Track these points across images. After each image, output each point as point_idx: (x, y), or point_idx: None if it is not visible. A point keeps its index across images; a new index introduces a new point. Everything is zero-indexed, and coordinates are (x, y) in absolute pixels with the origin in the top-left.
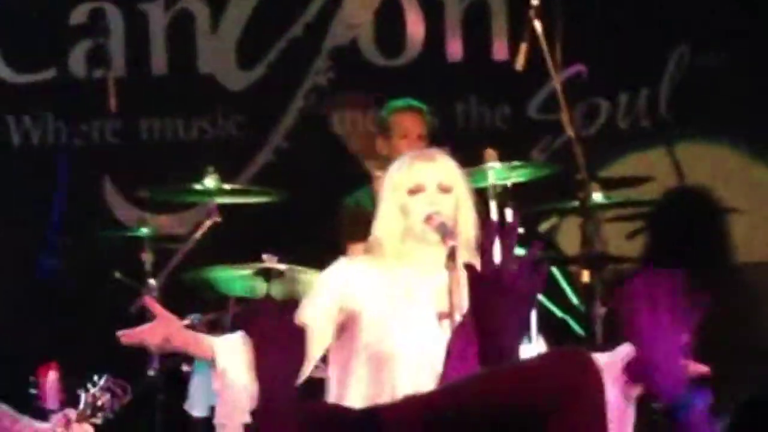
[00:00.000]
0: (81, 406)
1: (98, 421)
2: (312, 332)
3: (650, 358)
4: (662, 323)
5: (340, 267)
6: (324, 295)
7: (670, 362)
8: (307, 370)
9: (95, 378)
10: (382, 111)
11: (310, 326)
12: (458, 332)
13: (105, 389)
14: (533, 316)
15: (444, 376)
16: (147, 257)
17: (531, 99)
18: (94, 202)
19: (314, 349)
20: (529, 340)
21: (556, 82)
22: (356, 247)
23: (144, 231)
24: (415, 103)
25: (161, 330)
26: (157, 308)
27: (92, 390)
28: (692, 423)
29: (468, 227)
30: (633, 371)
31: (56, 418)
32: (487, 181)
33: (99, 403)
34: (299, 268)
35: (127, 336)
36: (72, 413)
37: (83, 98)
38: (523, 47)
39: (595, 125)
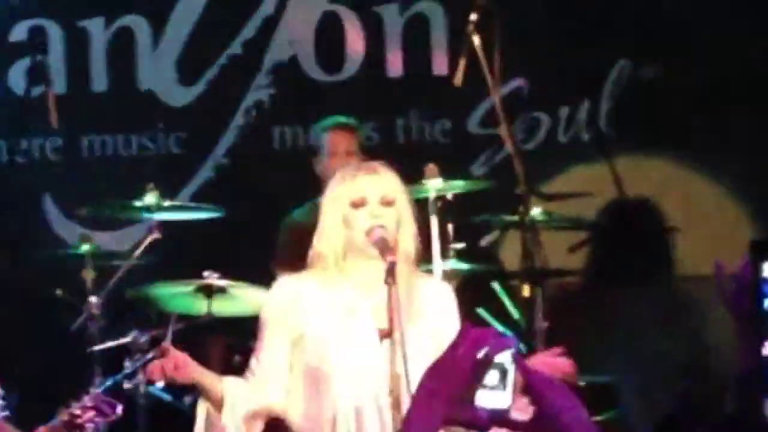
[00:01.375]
0: (55, 422)
1: None
2: (276, 379)
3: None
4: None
5: (282, 291)
6: (277, 335)
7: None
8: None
9: (83, 395)
10: (313, 131)
11: (274, 374)
12: (430, 373)
13: (90, 407)
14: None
15: (412, 414)
16: (88, 274)
17: (471, 113)
18: (35, 220)
19: (278, 394)
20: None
21: (496, 96)
22: (284, 268)
23: (85, 248)
24: (342, 119)
25: (186, 369)
26: (175, 353)
27: (73, 407)
28: None
29: (408, 241)
30: None
31: None
32: (428, 195)
33: (78, 421)
34: (240, 284)
35: (156, 373)
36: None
37: (23, 115)
38: (462, 62)
39: (535, 139)
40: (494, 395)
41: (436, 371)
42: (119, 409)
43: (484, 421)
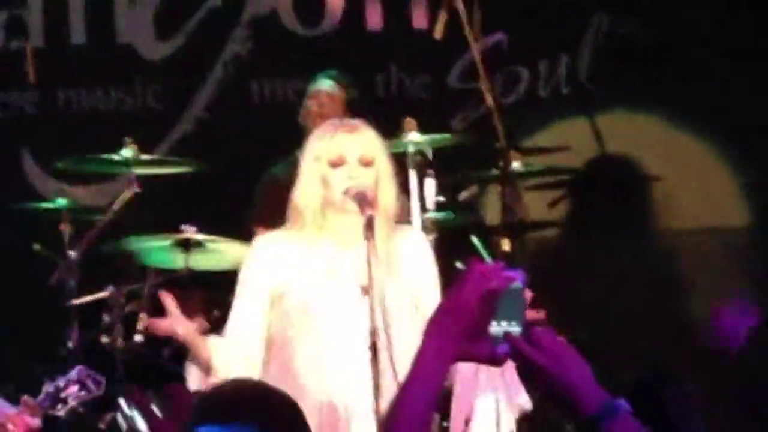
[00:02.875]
0: (41, 396)
1: (61, 413)
2: (251, 339)
3: (563, 381)
4: (556, 345)
5: (262, 250)
6: (256, 295)
7: (582, 377)
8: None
9: (69, 369)
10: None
11: (250, 335)
12: (438, 313)
13: (74, 381)
14: None
15: (421, 355)
16: (66, 229)
17: (451, 68)
18: (13, 174)
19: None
20: None
21: (475, 50)
22: (263, 224)
23: (62, 202)
24: (334, 74)
25: (183, 325)
26: (173, 308)
27: (58, 381)
28: (622, 426)
29: (388, 200)
30: (551, 398)
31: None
32: (407, 150)
33: (62, 395)
34: (218, 238)
35: (155, 327)
36: (30, 402)
37: (1, 69)
38: (442, 16)
39: (515, 93)
40: (506, 325)
41: (444, 311)
42: (103, 384)
43: (498, 354)
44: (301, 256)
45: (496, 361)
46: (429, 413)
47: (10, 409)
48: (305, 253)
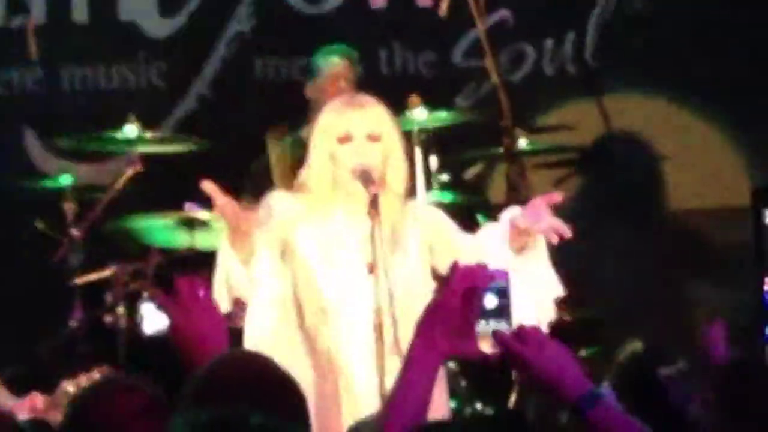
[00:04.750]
0: (57, 393)
1: None
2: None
3: (548, 373)
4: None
5: (277, 201)
6: (268, 240)
7: (566, 368)
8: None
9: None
10: (313, 57)
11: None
12: (425, 315)
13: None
14: None
15: (412, 354)
16: (69, 207)
17: (456, 45)
18: (15, 152)
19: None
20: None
21: (481, 27)
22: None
23: (65, 181)
24: (339, 47)
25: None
26: (221, 197)
27: (79, 378)
28: (603, 413)
29: (397, 177)
30: (536, 384)
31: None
32: (412, 127)
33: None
34: None
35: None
36: (38, 400)
37: (3, 46)
38: None
39: (520, 71)
40: (494, 324)
41: (431, 311)
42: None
43: (486, 353)
44: (311, 221)
45: (484, 358)
46: (422, 410)
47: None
48: (314, 220)
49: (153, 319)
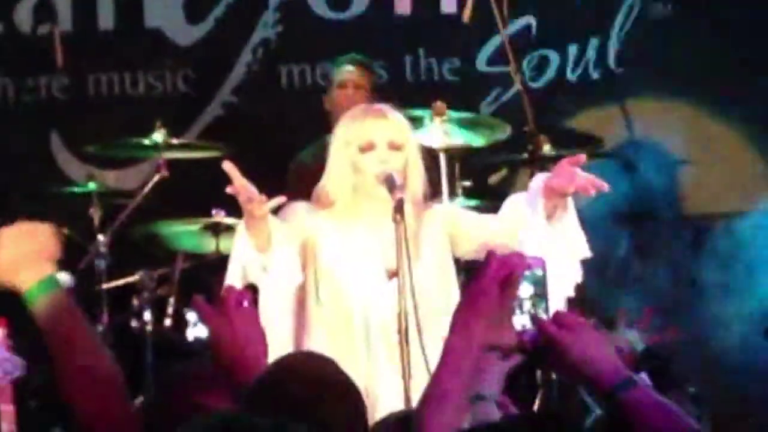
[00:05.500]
0: None
1: None
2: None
3: (586, 357)
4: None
5: (301, 205)
6: (292, 229)
7: (603, 352)
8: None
9: None
10: (327, 67)
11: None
12: (461, 306)
13: None
14: None
15: (449, 345)
16: (95, 213)
17: (480, 51)
18: (42, 158)
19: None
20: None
21: (504, 34)
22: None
23: (92, 187)
24: (354, 55)
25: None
26: (239, 178)
27: None
28: (638, 399)
29: (416, 184)
30: (574, 375)
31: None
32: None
33: None
34: None
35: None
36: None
37: (30, 54)
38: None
39: (544, 77)
40: (531, 311)
41: (467, 302)
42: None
43: (524, 343)
44: (334, 228)
45: (521, 348)
46: (461, 401)
47: None
48: (336, 228)
49: (199, 326)
